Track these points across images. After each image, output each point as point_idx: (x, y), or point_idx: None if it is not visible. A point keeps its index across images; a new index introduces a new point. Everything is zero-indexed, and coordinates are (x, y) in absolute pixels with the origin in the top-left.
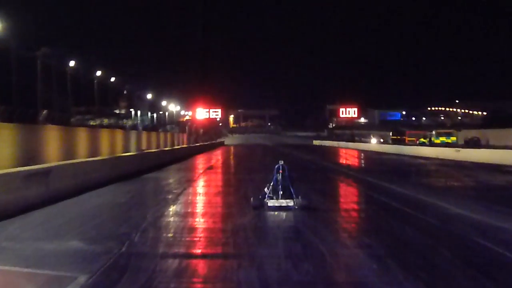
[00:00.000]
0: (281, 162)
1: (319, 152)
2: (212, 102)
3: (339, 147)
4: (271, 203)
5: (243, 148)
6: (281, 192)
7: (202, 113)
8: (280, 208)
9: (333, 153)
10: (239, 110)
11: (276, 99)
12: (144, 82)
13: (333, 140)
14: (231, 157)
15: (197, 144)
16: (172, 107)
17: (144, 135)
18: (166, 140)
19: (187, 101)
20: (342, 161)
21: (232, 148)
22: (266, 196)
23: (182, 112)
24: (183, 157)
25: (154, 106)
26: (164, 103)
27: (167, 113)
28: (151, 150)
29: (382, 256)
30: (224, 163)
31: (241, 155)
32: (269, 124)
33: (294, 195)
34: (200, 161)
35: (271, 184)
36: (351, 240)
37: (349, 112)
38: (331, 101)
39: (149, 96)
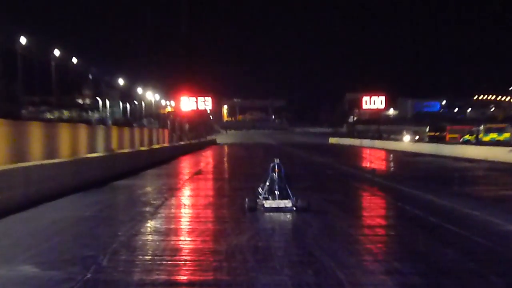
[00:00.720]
0: (277, 161)
1: (336, 153)
2: (200, 90)
3: (361, 146)
4: (267, 204)
5: (240, 148)
6: (278, 193)
7: (188, 103)
8: (277, 210)
9: (354, 154)
10: (235, 100)
11: (282, 87)
12: (115, 65)
13: (354, 138)
14: (225, 159)
15: (181, 143)
16: (150, 96)
17: (114, 131)
18: (143, 137)
19: (169, 88)
20: (366, 164)
21: (226, 148)
22: (262, 197)
23: (163, 103)
24: (164, 159)
25: (127, 95)
26: (139, 91)
27: (143, 104)
28: (124, 150)
29: (417, 286)
30: (216, 167)
31: (238, 157)
32: (273, 117)
33: (291, 196)
34: (186, 165)
35: (267, 184)
36: (377, 264)
37: (374, 102)
38: (351, 89)
39: (121, 82)
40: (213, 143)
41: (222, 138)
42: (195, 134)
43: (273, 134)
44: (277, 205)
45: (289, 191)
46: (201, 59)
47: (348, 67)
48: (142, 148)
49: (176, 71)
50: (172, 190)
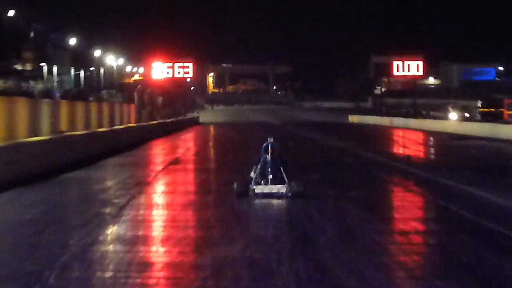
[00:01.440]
0: (270, 140)
1: (358, 135)
2: (178, 53)
3: (392, 126)
4: (258, 189)
5: (231, 130)
6: (271, 177)
7: (162, 71)
8: (270, 196)
9: (382, 137)
10: (224, 66)
11: (286, 48)
12: (66, 20)
13: (382, 115)
14: (210, 144)
15: (153, 123)
16: (112, 60)
17: (64, 107)
18: (102, 115)
19: (137, 51)
20: (398, 150)
21: (211, 129)
22: (253, 181)
23: (128, 69)
24: (130, 143)
25: (81, 60)
26: (97, 54)
27: (102, 71)
28: (77, 132)
29: None
30: (199, 154)
31: (227, 141)
32: (274, 88)
33: (286, 180)
34: (159, 151)
35: (258, 167)
36: (412, 283)
37: (409, 68)
38: (378, 51)
39: (72, 42)
40: (194, 122)
41: (207, 115)
42: (171, 110)
43: (275, 111)
44: (269, 190)
45: (284, 175)
46: (179, 13)
47: (374, 22)
48: (101, 129)
49: (146, 28)
50: (140, 185)
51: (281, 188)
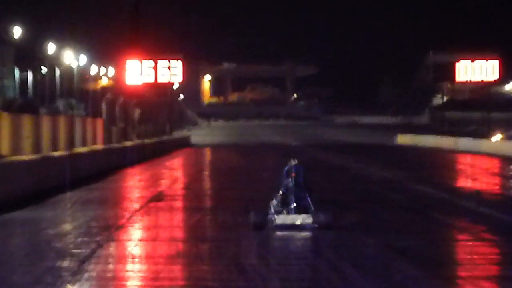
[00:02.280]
0: (294, 162)
1: (409, 162)
2: (162, 48)
3: (457, 150)
4: (279, 220)
5: (234, 154)
6: (294, 205)
7: (140, 72)
8: (292, 228)
9: (442, 164)
10: (226, 65)
11: (310, 42)
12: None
13: (443, 135)
14: (206, 173)
15: (128, 144)
16: (70, 58)
17: (4, 121)
18: (57, 133)
19: (106, 46)
20: (465, 183)
21: (208, 153)
22: (273, 210)
23: (94, 71)
24: (95, 172)
25: (28, 58)
26: (51, 49)
27: (58, 73)
28: (23, 157)
29: None
30: (190, 187)
31: (229, 171)
32: (294, 97)
33: (312, 209)
34: (135, 183)
35: (279, 193)
36: None
37: (480, 70)
38: (437, 47)
39: (17, 33)
40: (184, 143)
41: (202, 134)
42: (152, 128)
43: (295, 128)
44: (292, 221)
45: (310, 202)
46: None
47: (433, 9)
48: (56, 153)
49: (118, 15)
50: (109, 230)
51: (306, 219)
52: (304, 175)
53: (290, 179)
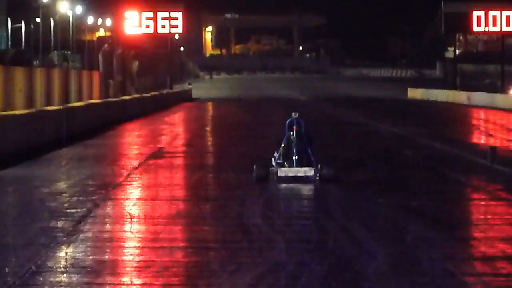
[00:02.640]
0: (295, 115)
1: (421, 117)
2: None
3: (470, 104)
4: (282, 172)
5: (237, 108)
6: (296, 157)
7: (138, 23)
8: (295, 179)
9: (455, 120)
10: (229, 16)
11: None
12: None
13: (456, 89)
14: (208, 129)
15: (126, 98)
16: (66, 8)
17: None
18: (51, 86)
19: None
20: (479, 139)
21: (210, 108)
22: (275, 162)
23: (90, 21)
24: (92, 128)
25: (21, 7)
26: None
27: (52, 23)
28: (15, 111)
29: None
30: (191, 144)
31: (232, 126)
32: (300, 49)
33: (314, 162)
34: (134, 139)
35: (282, 146)
36: None
37: (495, 21)
38: None
39: None
40: (185, 97)
41: (203, 88)
42: (152, 81)
43: (302, 81)
44: (294, 173)
45: (311, 156)
46: None
47: None
48: (50, 108)
49: None
50: (106, 188)
51: (308, 171)
52: (306, 128)
53: (291, 132)
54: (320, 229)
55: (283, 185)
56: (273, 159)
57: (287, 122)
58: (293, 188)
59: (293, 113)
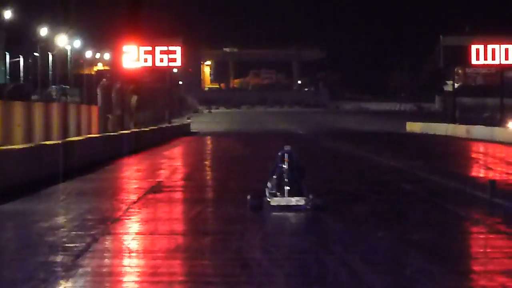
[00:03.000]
0: (287, 148)
1: (421, 151)
2: (161, 33)
3: (469, 138)
4: (274, 202)
5: (236, 142)
6: (288, 188)
7: (137, 57)
8: (286, 208)
9: (455, 153)
10: (228, 50)
11: (317, 24)
12: None
13: (455, 122)
14: (207, 163)
15: (124, 132)
16: (64, 42)
17: None
18: (50, 121)
19: (102, 29)
20: (478, 172)
21: (209, 142)
22: (268, 192)
23: (89, 55)
24: (90, 162)
25: (20, 41)
26: (43, 32)
27: (51, 58)
28: (13, 146)
29: None
30: (190, 178)
31: (231, 160)
32: (300, 83)
33: (305, 192)
34: (132, 173)
35: (274, 177)
36: None
37: (494, 54)
38: (450, 30)
39: (7, 15)
40: (184, 131)
41: (202, 122)
42: (151, 115)
43: (301, 115)
44: (286, 202)
45: (303, 186)
46: None
47: None
48: (49, 142)
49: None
50: (105, 223)
51: (299, 201)
52: (297, 160)
53: (283, 164)
54: (320, 263)
55: (280, 215)
56: (266, 189)
57: (279, 154)
58: (290, 220)
59: (285, 146)
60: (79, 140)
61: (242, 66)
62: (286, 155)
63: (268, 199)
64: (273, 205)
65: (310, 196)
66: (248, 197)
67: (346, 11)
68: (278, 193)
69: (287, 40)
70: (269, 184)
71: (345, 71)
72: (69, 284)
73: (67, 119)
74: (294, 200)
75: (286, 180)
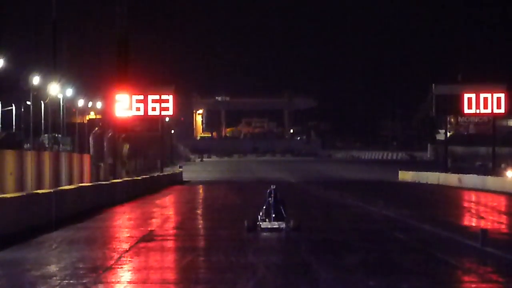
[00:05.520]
0: (273, 187)
1: (413, 199)
2: (153, 82)
3: (461, 187)
4: (264, 225)
5: (228, 191)
6: (273, 215)
7: (129, 106)
8: (272, 230)
9: (446, 202)
10: (219, 99)
11: (308, 73)
12: None
13: (447, 171)
14: (199, 212)
15: (116, 181)
16: (56, 91)
17: None
18: (42, 169)
19: (94, 78)
20: (470, 221)
21: (200, 191)
22: (259, 218)
23: (81, 104)
24: (82, 211)
25: (11, 90)
26: (35, 81)
27: (43, 106)
28: (4, 194)
29: None
30: (182, 227)
31: (223, 209)
32: (291, 132)
33: (286, 218)
34: (124, 222)
35: (264, 207)
36: None
37: (486, 103)
38: (442, 79)
39: None
40: (176, 180)
41: (194, 171)
42: (143, 163)
43: (293, 164)
44: (272, 225)
45: (284, 214)
46: (155, 24)
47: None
48: (41, 191)
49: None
50: (97, 271)
51: (281, 224)
52: (280, 195)
53: (270, 199)
54: None
55: (267, 235)
56: (258, 216)
57: (268, 191)
58: (281, 266)
59: (271, 185)
60: (71, 189)
61: (234, 114)
62: (272, 191)
63: (260, 223)
64: (263, 227)
65: (288, 221)
66: (245, 221)
67: (336, 62)
68: (266, 219)
69: (279, 89)
70: (260, 213)
71: (336, 120)
72: None
73: (59, 168)
74: (277, 224)
75: (272, 210)
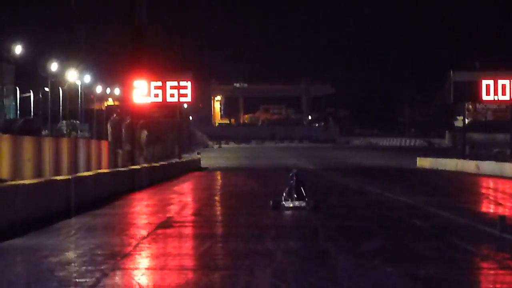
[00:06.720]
0: (294, 171)
1: (431, 186)
2: (171, 68)
3: (479, 173)
4: (286, 204)
5: (246, 178)
6: (295, 196)
7: (147, 93)
8: (293, 208)
9: (464, 189)
10: (237, 85)
11: (327, 60)
12: (7, 20)
13: (465, 158)
14: (217, 198)
15: (135, 167)
16: (74, 77)
17: (4, 143)
18: (60, 156)
19: (112, 64)
20: (488, 208)
21: (219, 177)
22: (283, 199)
23: (99, 90)
24: (100, 198)
25: (30, 77)
26: (53, 68)
27: (61, 93)
28: (24, 181)
29: None
30: (200, 213)
31: (241, 196)
32: (309, 118)
33: (305, 197)
34: (142, 209)
35: (287, 189)
36: None
37: (504, 90)
38: (460, 66)
39: (17, 51)
40: (194, 167)
41: (212, 157)
42: (161, 150)
43: (310, 150)
44: (293, 205)
45: (304, 194)
46: (173, 11)
47: (454, 24)
48: (59, 177)
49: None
50: (115, 258)
51: (302, 203)
52: (301, 176)
53: (292, 181)
54: None
55: (289, 213)
56: (282, 196)
57: (290, 175)
58: (299, 252)
59: (293, 169)
60: (89, 175)
61: (252, 101)
62: (294, 174)
63: (283, 202)
64: (286, 206)
65: (308, 200)
66: (271, 201)
67: (354, 49)
68: (289, 199)
69: (297, 76)
70: (284, 193)
71: (354, 107)
72: None
73: (77, 154)
74: (298, 203)
75: (294, 190)
